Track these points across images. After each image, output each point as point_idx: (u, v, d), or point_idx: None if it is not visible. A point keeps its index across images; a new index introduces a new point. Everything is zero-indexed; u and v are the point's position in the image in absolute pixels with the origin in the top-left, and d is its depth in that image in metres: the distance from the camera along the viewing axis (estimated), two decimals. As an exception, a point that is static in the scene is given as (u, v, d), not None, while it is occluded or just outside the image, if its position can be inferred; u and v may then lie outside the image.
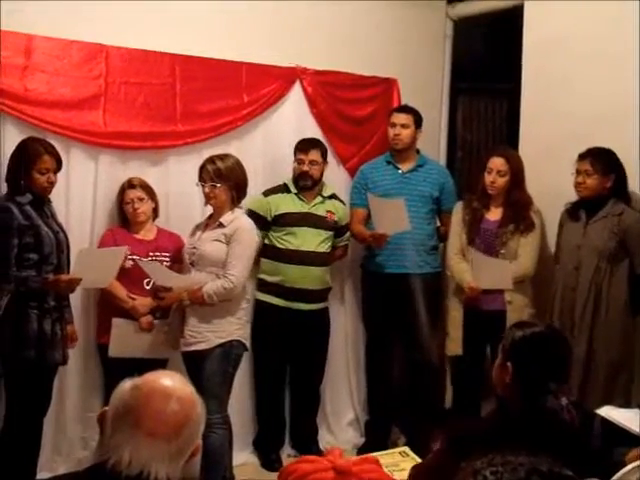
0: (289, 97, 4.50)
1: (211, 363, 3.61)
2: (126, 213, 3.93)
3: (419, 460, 2.71)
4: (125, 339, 3.77)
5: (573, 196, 3.94)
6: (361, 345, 4.77)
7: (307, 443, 4.45)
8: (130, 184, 3.91)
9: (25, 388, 3.41)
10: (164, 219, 4.12)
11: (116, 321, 3.78)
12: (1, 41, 3.62)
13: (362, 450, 4.42)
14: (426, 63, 5.05)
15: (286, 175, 4.40)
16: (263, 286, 4.32)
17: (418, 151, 4.58)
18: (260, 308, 4.32)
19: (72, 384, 3.95)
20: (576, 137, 4.04)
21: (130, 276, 3.78)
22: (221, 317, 3.64)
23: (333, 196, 4.45)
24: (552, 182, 4.14)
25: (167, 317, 3.85)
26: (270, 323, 4.30)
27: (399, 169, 4.51)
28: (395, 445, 4.23)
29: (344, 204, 4.51)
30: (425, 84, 5.04)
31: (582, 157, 3.86)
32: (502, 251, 4.07)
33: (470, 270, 4.08)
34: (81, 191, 3.92)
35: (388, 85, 4.81)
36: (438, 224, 4.62)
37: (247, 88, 4.33)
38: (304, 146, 4.32)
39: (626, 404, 3.35)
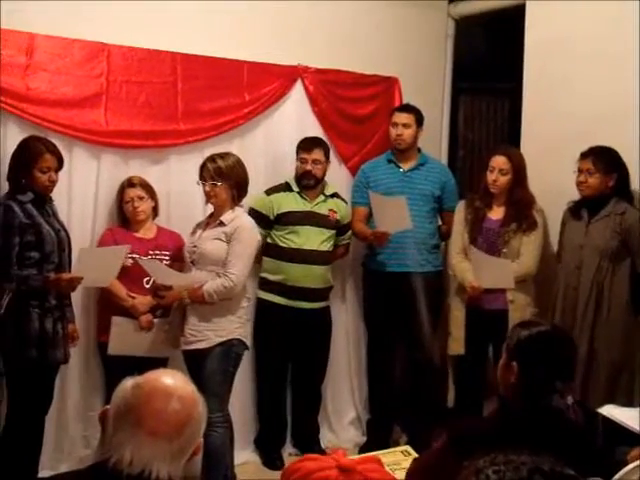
0: (290, 96, 4.50)
1: (211, 362, 3.60)
2: (126, 212, 3.93)
3: (420, 459, 2.71)
4: (125, 337, 3.77)
5: (575, 195, 3.94)
6: (362, 344, 4.77)
7: (309, 442, 4.45)
8: (130, 183, 3.91)
9: (27, 387, 3.41)
10: (165, 218, 4.12)
11: (116, 319, 3.78)
12: (3, 40, 3.63)
13: (364, 449, 4.42)
14: (427, 62, 5.05)
15: (288, 174, 4.40)
16: (265, 285, 4.32)
17: (419, 150, 4.57)
18: (262, 307, 4.33)
19: (73, 383, 3.95)
20: (578, 136, 4.04)
21: (130, 275, 3.78)
22: (221, 316, 3.64)
23: (335, 195, 4.45)
24: (554, 181, 4.14)
25: (168, 316, 3.85)
26: (272, 322, 4.30)
27: (400, 168, 4.51)
28: (397, 444, 4.22)
29: (346, 203, 4.51)
30: (426, 83, 5.04)
31: (584, 156, 3.85)
32: (504, 250, 4.07)
33: (472, 269, 4.08)
34: (83, 190, 3.92)
35: (389, 84, 4.81)
36: (439, 223, 4.62)
37: (248, 87, 4.33)
38: (307, 145, 4.31)
39: (628, 403, 3.35)
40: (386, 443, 4.24)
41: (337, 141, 4.60)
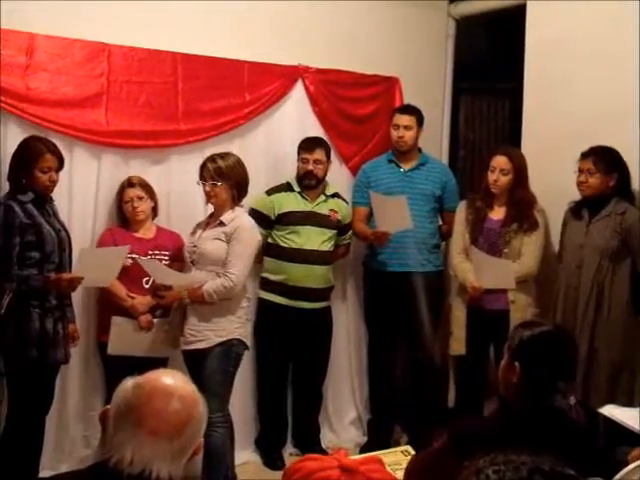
0: (291, 96, 4.50)
1: (211, 362, 3.60)
2: (125, 212, 3.93)
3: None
4: (124, 337, 3.77)
5: (576, 195, 3.94)
6: (363, 344, 4.77)
7: (309, 442, 4.45)
8: (129, 183, 3.91)
9: (27, 387, 3.41)
10: (166, 218, 4.12)
11: (115, 319, 3.78)
12: (3, 40, 3.63)
13: (364, 449, 4.42)
14: (428, 62, 5.05)
15: (288, 174, 4.40)
16: (266, 285, 4.32)
17: (420, 150, 4.58)
18: (263, 307, 4.33)
19: (73, 382, 3.95)
20: (578, 136, 4.03)
21: (129, 275, 3.78)
22: (221, 316, 3.63)
23: (336, 195, 4.45)
24: (555, 181, 4.14)
25: (168, 316, 3.84)
26: (273, 322, 4.30)
27: (401, 168, 4.51)
28: (397, 444, 4.22)
29: (347, 203, 4.51)
30: (427, 83, 5.04)
31: (584, 156, 3.85)
32: (505, 250, 4.07)
33: (473, 270, 4.08)
34: (84, 190, 3.92)
35: (390, 84, 4.81)
36: (440, 223, 4.62)
37: (249, 87, 4.33)
38: (309, 145, 4.31)
39: (629, 403, 3.35)
40: (387, 443, 4.24)
41: (338, 141, 4.60)
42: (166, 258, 3.92)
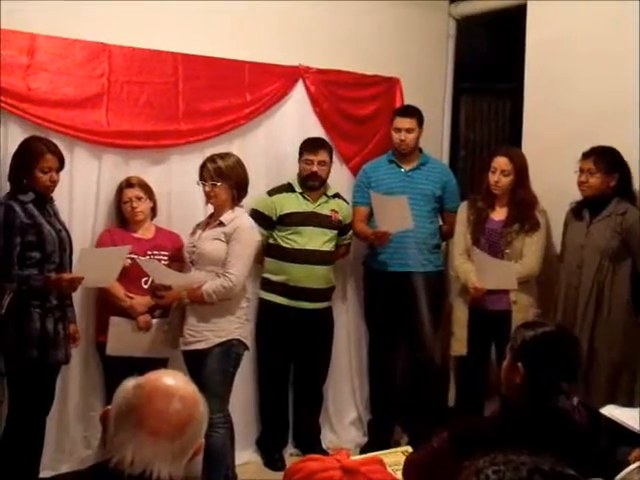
0: (292, 96, 4.50)
1: (211, 362, 3.59)
2: (124, 212, 3.92)
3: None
4: (123, 338, 3.76)
5: (577, 195, 3.94)
6: (364, 344, 4.77)
7: (310, 442, 4.44)
8: (128, 183, 3.91)
9: (28, 387, 3.41)
10: (166, 218, 4.12)
11: (114, 319, 3.77)
12: (4, 40, 3.63)
13: (365, 449, 4.42)
14: (429, 62, 5.05)
15: (289, 174, 4.40)
16: (267, 285, 4.32)
17: (421, 150, 4.58)
18: (264, 307, 4.33)
19: (74, 383, 3.95)
20: (579, 136, 4.03)
21: (128, 275, 3.77)
22: (220, 316, 3.62)
23: (337, 195, 4.46)
24: (555, 181, 4.13)
25: (167, 316, 3.84)
26: (274, 322, 4.30)
27: (402, 168, 4.51)
28: (398, 444, 4.22)
29: (347, 203, 4.52)
30: (428, 83, 5.04)
31: (585, 156, 3.85)
32: (507, 251, 4.06)
33: (475, 270, 4.07)
34: (84, 190, 3.92)
35: (391, 84, 4.81)
36: (440, 223, 4.62)
37: (250, 87, 4.33)
38: (313, 146, 4.31)
39: (629, 404, 3.35)
40: (387, 443, 4.24)
41: (338, 141, 4.60)
42: (165, 258, 3.91)
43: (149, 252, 3.87)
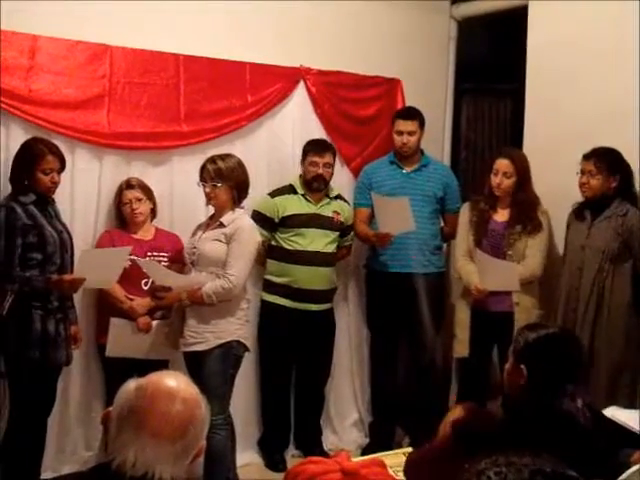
0: (293, 97, 4.51)
1: (211, 364, 3.59)
2: (124, 213, 3.92)
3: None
4: (123, 339, 3.76)
5: (578, 196, 3.93)
6: (365, 345, 4.77)
7: (311, 444, 4.45)
8: (128, 184, 3.91)
9: (29, 388, 3.41)
10: (168, 219, 4.13)
11: (114, 321, 3.77)
12: (6, 42, 3.63)
13: (366, 451, 4.42)
14: (430, 63, 5.05)
15: (290, 175, 4.40)
16: (270, 287, 4.31)
17: (422, 151, 4.57)
18: (267, 309, 4.33)
19: (75, 384, 3.95)
20: (580, 137, 4.03)
21: (128, 276, 3.76)
22: (220, 317, 3.61)
23: (339, 197, 4.46)
24: (556, 182, 4.13)
25: (168, 318, 3.83)
26: (277, 324, 4.30)
27: (403, 169, 4.51)
28: (399, 446, 4.23)
29: (349, 204, 4.51)
30: (429, 84, 5.04)
31: (586, 157, 3.85)
32: (509, 252, 4.06)
33: (478, 272, 4.07)
34: (85, 191, 3.92)
35: (392, 85, 4.81)
36: (442, 224, 4.62)
37: (251, 88, 4.33)
38: (319, 148, 4.31)
39: (630, 405, 3.34)
40: (388, 445, 4.24)
41: (340, 142, 4.60)
42: (165, 259, 3.91)
43: (149, 253, 3.87)
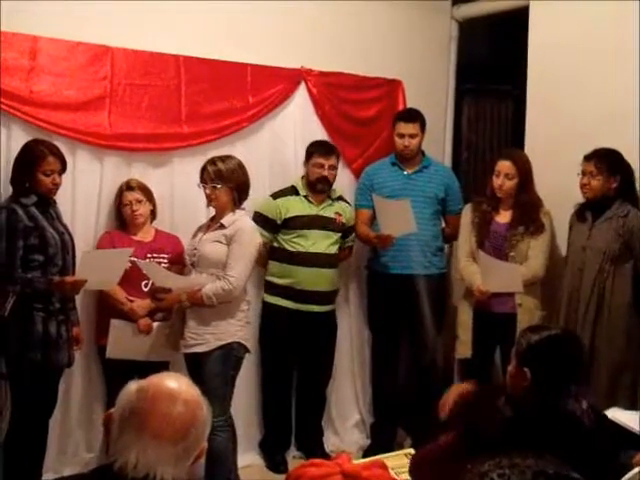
0: (294, 98, 4.50)
1: (211, 365, 3.58)
2: (124, 215, 3.92)
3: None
4: (123, 341, 3.75)
5: (579, 197, 3.93)
6: (366, 346, 4.77)
7: (313, 445, 4.44)
8: (128, 186, 3.90)
9: (31, 390, 3.41)
10: (169, 221, 4.13)
11: (114, 322, 3.76)
12: (7, 43, 3.63)
13: (368, 452, 4.42)
14: (431, 64, 5.05)
15: (292, 176, 4.40)
16: (272, 288, 4.31)
17: (423, 152, 4.57)
18: (268, 310, 4.32)
19: (76, 386, 3.95)
20: (582, 138, 4.03)
21: (128, 278, 3.75)
22: (221, 319, 3.61)
23: (340, 198, 4.46)
24: (558, 183, 4.13)
25: (169, 319, 3.83)
26: (278, 325, 4.30)
27: (404, 170, 4.51)
28: (401, 447, 4.23)
29: (351, 206, 4.51)
30: (430, 85, 5.04)
31: (587, 158, 3.85)
32: (512, 254, 4.06)
33: (480, 273, 4.06)
34: (86, 193, 3.92)
35: (393, 87, 4.81)
36: (443, 225, 4.62)
37: (252, 89, 4.33)
38: (325, 151, 4.30)
39: (631, 406, 3.34)
40: (390, 446, 4.24)
41: (341, 144, 4.59)
42: (165, 261, 3.91)
43: (149, 255, 3.87)
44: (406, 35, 4.90)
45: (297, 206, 4.29)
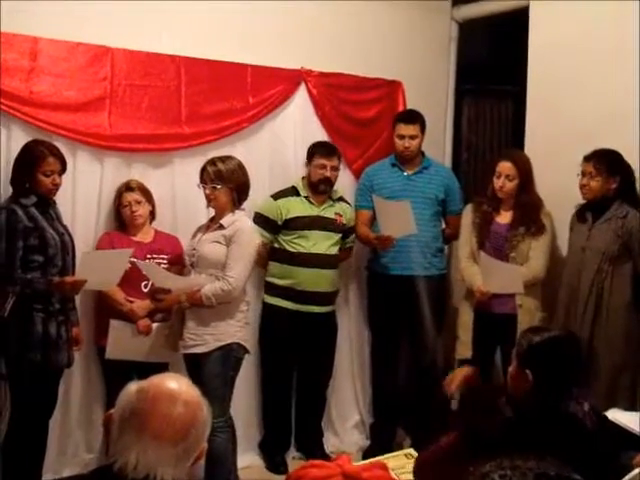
0: (294, 99, 4.50)
1: (210, 366, 3.57)
2: (124, 216, 3.92)
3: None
4: (122, 342, 3.75)
5: (580, 198, 3.93)
6: (366, 347, 4.77)
7: (312, 446, 4.44)
8: (128, 187, 3.90)
9: (30, 390, 3.41)
10: (170, 221, 4.12)
11: (114, 323, 3.76)
12: (7, 43, 3.63)
13: (367, 453, 4.42)
14: (431, 65, 5.05)
15: (292, 177, 4.40)
16: (272, 289, 4.31)
17: (423, 153, 4.57)
18: (268, 311, 4.32)
19: (76, 386, 3.94)
20: (582, 138, 4.03)
21: (128, 279, 3.74)
22: (220, 320, 3.60)
23: (341, 199, 4.45)
24: (558, 183, 4.13)
25: (169, 320, 3.82)
26: (279, 326, 4.29)
27: (404, 171, 4.51)
28: (400, 447, 4.22)
29: (351, 206, 4.51)
30: (430, 86, 5.04)
31: (586, 159, 3.84)
32: (512, 254, 4.05)
33: (481, 274, 4.06)
34: (86, 193, 3.92)
35: (393, 88, 4.81)
36: (443, 226, 4.61)
37: (252, 90, 4.33)
38: (327, 152, 4.31)
39: (630, 407, 3.33)
40: (390, 446, 4.22)
41: (341, 144, 4.58)
42: (164, 262, 3.91)
43: (148, 256, 3.87)
44: (406, 36, 4.90)
45: (298, 207, 4.29)
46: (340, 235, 4.38)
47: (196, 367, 3.58)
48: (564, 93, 4.28)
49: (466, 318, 4.21)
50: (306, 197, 4.32)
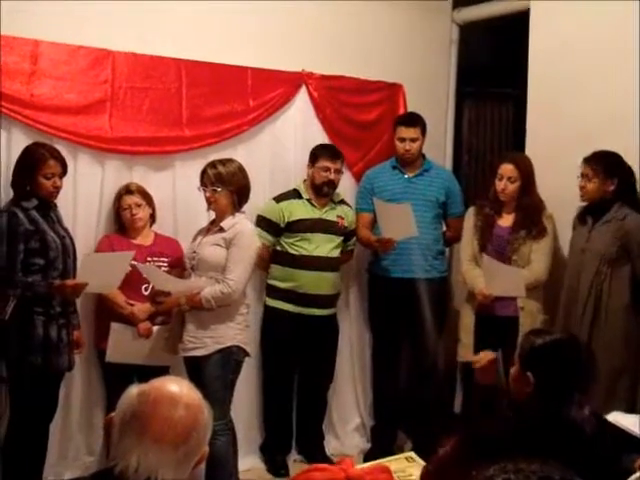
0: (295, 102, 4.50)
1: (210, 369, 3.57)
2: (123, 219, 3.91)
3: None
4: (123, 345, 3.74)
5: (579, 200, 3.93)
6: (367, 350, 4.76)
7: (313, 449, 4.44)
8: (127, 190, 3.90)
9: (31, 394, 3.40)
10: (170, 224, 4.12)
11: (114, 326, 3.75)
12: (8, 47, 3.63)
13: (368, 455, 4.41)
14: (432, 68, 5.05)
15: (293, 180, 4.40)
16: (274, 292, 4.30)
17: (424, 156, 4.57)
18: (270, 314, 4.32)
19: (76, 390, 3.94)
20: (583, 140, 4.03)
21: (128, 282, 3.74)
22: (220, 322, 3.59)
23: (342, 201, 4.46)
24: (559, 186, 4.12)
25: (169, 323, 3.82)
26: (280, 329, 4.29)
27: (405, 174, 4.51)
28: (401, 450, 4.21)
29: (352, 209, 4.51)
30: (431, 88, 5.04)
31: (586, 161, 3.84)
32: (514, 257, 4.05)
33: (484, 277, 4.06)
34: (87, 196, 3.92)
35: (394, 90, 4.81)
36: (444, 229, 4.61)
37: (253, 93, 4.33)
38: (331, 154, 4.31)
39: (629, 409, 3.33)
40: (390, 449, 4.23)
41: (342, 147, 4.57)
42: (165, 265, 3.90)
43: (148, 258, 3.86)
44: (407, 39, 4.90)
45: (300, 209, 4.29)
46: (342, 238, 4.38)
47: (196, 370, 3.57)
48: (565, 95, 4.28)
49: (468, 321, 4.20)
50: (308, 200, 4.32)
